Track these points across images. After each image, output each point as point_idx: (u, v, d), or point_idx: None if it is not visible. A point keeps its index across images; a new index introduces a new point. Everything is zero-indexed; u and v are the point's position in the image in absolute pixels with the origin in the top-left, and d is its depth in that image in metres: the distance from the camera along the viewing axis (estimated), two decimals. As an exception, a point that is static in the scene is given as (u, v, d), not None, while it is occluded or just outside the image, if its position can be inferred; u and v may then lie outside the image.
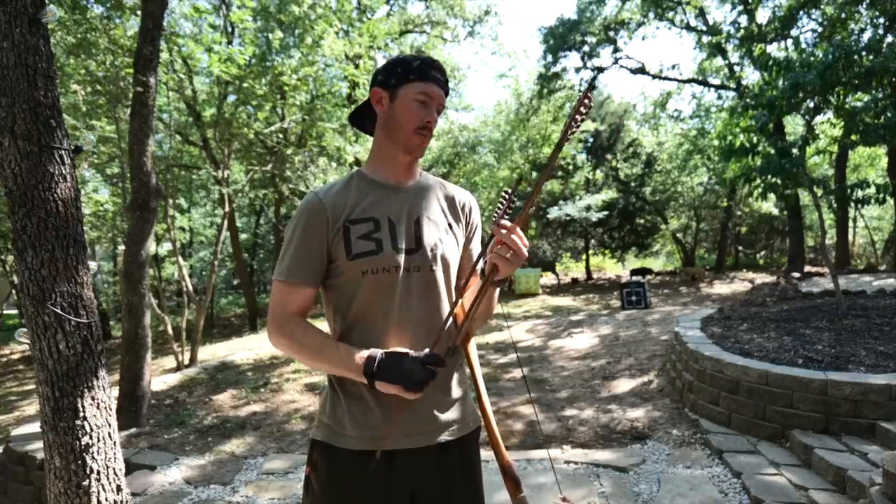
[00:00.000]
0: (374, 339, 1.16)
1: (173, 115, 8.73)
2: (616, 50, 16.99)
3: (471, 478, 1.25)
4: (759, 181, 5.77)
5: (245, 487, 3.44)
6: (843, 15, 11.37)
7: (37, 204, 2.27)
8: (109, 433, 2.47)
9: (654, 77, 17.32)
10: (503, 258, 1.08)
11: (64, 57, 6.49)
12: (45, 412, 2.34)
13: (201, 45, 8.22)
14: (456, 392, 1.24)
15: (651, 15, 16.25)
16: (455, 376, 1.24)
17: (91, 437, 2.37)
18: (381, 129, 1.24)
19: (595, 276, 18.67)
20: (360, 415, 1.16)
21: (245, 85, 7.18)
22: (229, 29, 10.37)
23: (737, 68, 15.08)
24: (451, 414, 1.22)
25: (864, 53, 5.08)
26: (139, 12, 5.22)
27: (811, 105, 5.69)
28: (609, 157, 19.11)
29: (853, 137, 5.38)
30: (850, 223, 17.19)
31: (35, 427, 3.97)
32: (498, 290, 1.22)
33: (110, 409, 2.51)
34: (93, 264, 2.63)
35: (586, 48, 16.76)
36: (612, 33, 16.59)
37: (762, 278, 13.21)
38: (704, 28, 15.94)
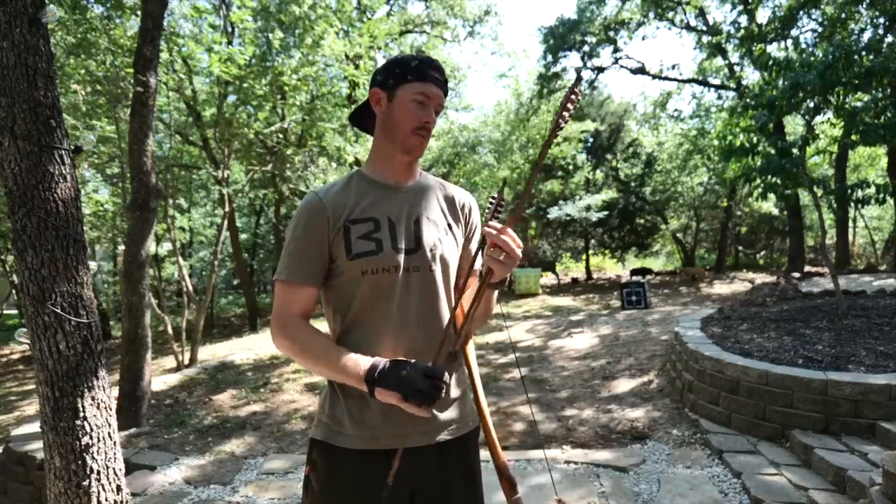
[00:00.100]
0: (373, 339, 1.16)
1: (173, 115, 8.73)
2: (616, 50, 16.99)
3: (470, 477, 1.25)
4: (759, 181, 5.77)
5: (245, 487, 3.44)
6: (843, 15, 11.37)
7: (37, 204, 2.27)
8: (109, 433, 2.47)
9: (654, 77, 17.33)
10: (496, 260, 1.08)
11: (64, 57, 6.49)
12: (45, 412, 2.34)
13: (201, 45, 8.22)
14: (455, 391, 1.24)
15: (651, 15, 16.25)
16: (454, 376, 1.24)
17: (91, 437, 2.37)
18: (380, 130, 1.25)
19: (595, 276, 18.67)
20: (360, 414, 1.16)
21: (245, 85, 7.18)
22: (229, 29, 10.37)
23: (737, 68, 15.08)
24: (451, 413, 1.22)
25: (864, 53, 5.08)
26: (139, 12, 5.22)
27: (811, 105, 5.69)
28: (609, 157, 19.11)
29: (853, 137, 5.38)
30: (850, 223, 17.19)
31: (35, 427, 3.97)
32: (496, 291, 1.22)
33: (110, 409, 2.51)
34: (93, 264, 2.63)
35: (586, 48, 16.76)
36: (612, 33, 16.60)
37: (762, 278, 13.21)
38: (704, 28, 15.95)
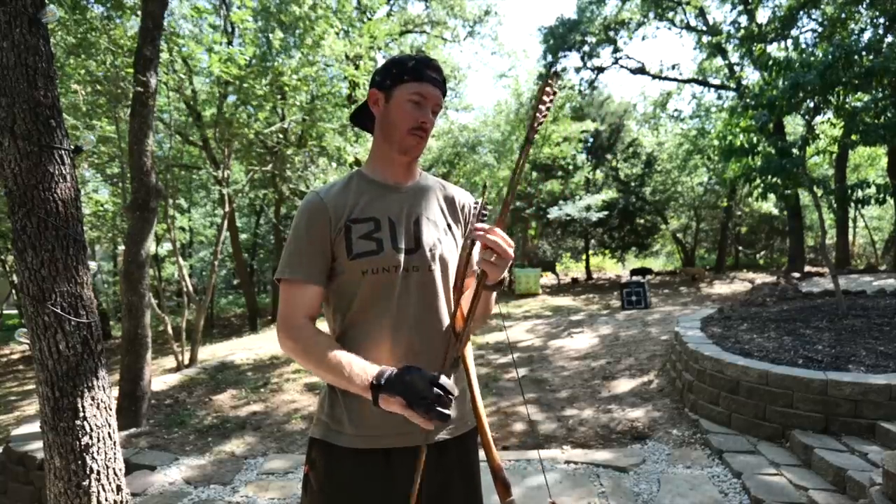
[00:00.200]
0: (372, 339, 1.16)
1: (173, 115, 8.73)
2: (616, 50, 17.01)
3: (469, 477, 1.25)
4: (759, 181, 5.77)
5: (245, 487, 3.44)
6: (843, 15, 11.37)
7: (37, 204, 2.27)
8: (109, 433, 2.47)
9: (654, 77, 17.34)
10: (488, 262, 1.07)
11: (64, 57, 6.48)
12: (45, 412, 2.34)
13: (201, 45, 8.22)
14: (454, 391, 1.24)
15: (651, 15, 16.26)
16: (452, 375, 1.24)
17: (91, 437, 2.37)
18: (379, 130, 1.25)
19: (595, 276, 18.68)
20: (359, 413, 1.16)
21: (245, 85, 7.18)
22: (229, 29, 10.37)
23: (737, 68, 15.08)
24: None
25: (864, 53, 5.08)
26: (139, 12, 5.22)
27: (811, 105, 5.69)
28: (609, 157, 19.11)
29: (853, 137, 5.38)
30: (850, 223, 17.19)
31: (35, 427, 3.97)
32: (495, 292, 1.21)
33: (110, 409, 2.51)
34: (93, 264, 2.63)
35: (586, 48, 16.79)
36: (612, 33, 16.61)
37: (762, 278, 13.21)
38: (704, 28, 15.95)
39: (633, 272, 15.32)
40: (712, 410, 3.90)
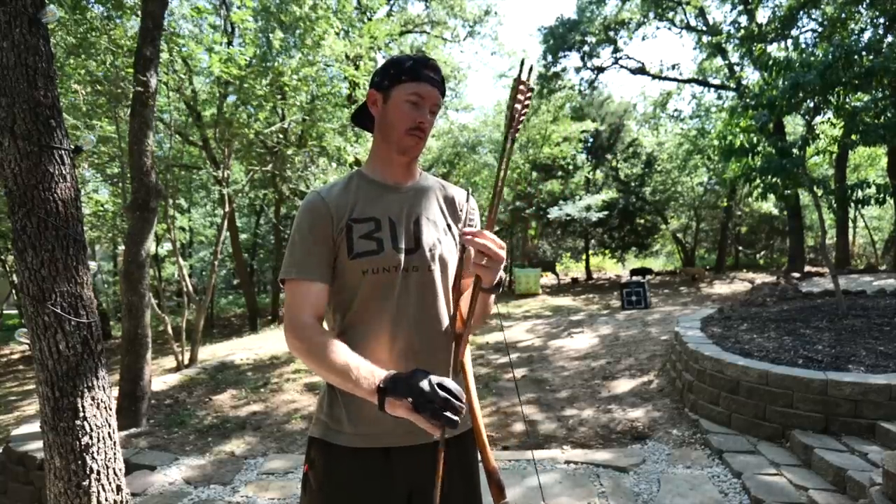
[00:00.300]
0: (371, 339, 1.16)
1: (173, 115, 8.72)
2: (616, 50, 17.00)
3: (468, 476, 1.25)
4: (759, 181, 5.77)
5: (245, 487, 3.44)
6: (843, 15, 11.37)
7: (37, 204, 2.27)
8: (109, 433, 2.47)
9: (654, 77, 17.33)
10: (480, 266, 1.06)
11: (64, 57, 6.48)
12: (45, 412, 2.34)
13: (202, 45, 8.22)
14: None
15: (651, 15, 16.25)
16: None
17: (91, 437, 2.37)
18: (378, 131, 1.25)
19: (595, 276, 18.67)
20: (358, 412, 1.16)
21: (245, 85, 7.18)
22: (229, 29, 10.37)
23: (737, 68, 15.08)
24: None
25: (864, 53, 5.07)
26: (139, 12, 5.22)
27: (811, 105, 5.69)
28: (609, 157, 19.12)
29: (853, 137, 5.38)
30: (850, 223, 17.18)
31: (35, 427, 3.97)
32: (493, 294, 1.21)
33: (110, 409, 2.51)
34: (93, 264, 2.63)
35: (586, 48, 16.77)
36: (612, 33, 16.61)
37: (762, 278, 13.21)
38: (704, 28, 15.95)
39: (633, 272, 15.32)
40: (712, 410, 3.90)
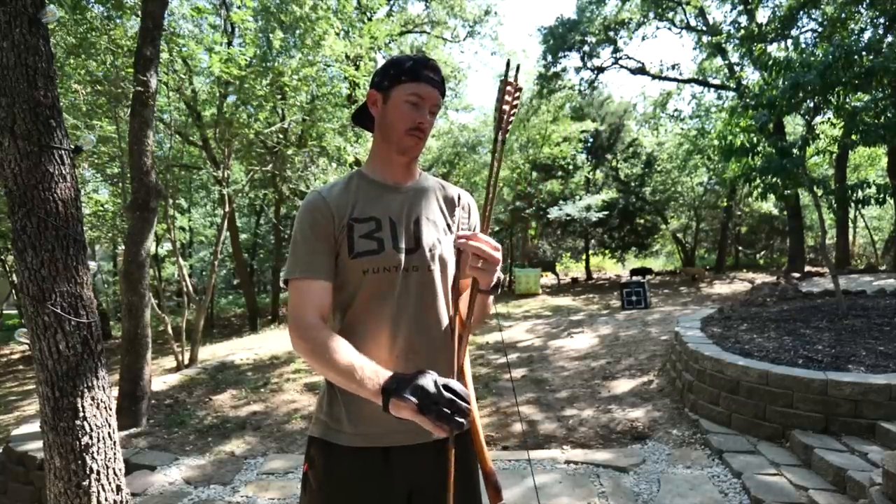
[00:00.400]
0: (371, 338, 1.16)
1: (173, 115, 8.73)
2: (616, 50, 16.99)
3: (467, 476, 1.25)
4: (759, 181, 5.77)
5: (245, 487, 3.44)
6: (843, 15, 11.36)
7: (37, 204, 2.27)
8: (109, 433, 2.47)
9: (654, 77, 17.32)
10: (477, 269, 1.06)
11: (64, 57, 6.48)
12: (45, 412, 2.34)
13: (202, 45, 8.22)
14: None
15: (651, 15, 16.24)
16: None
17: (91, 437, 2.37)
18: (378, 131, 1.25)
19: (595, 276, 18.67)
20: (358, 411, 1.16)
21: (245, 85, 7.18)
22: (230, 29, 10.37)
23: (737, 68, 15.06)
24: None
25: (864, 53, 5.07)
26: (139, 12, 5.22)
27: (811, 105, 5.69)
28: (609, 157, 19.12)
29: (853, 137, 5.38)
30: (850, 223, 17.18)
31: (35, 427, 3.97)
32: (491, 296, 1.21)
33: (110, 409, 2.51)
34: (93, 264, 2.63)
35: (586, 48, 16.76)
36: (612, 33, 16.59)
37: (762, 278, 13.21)
38: (704, 28, 15.94)
39: (633, 272, 15.32)
40: (712, 410, 3.90)
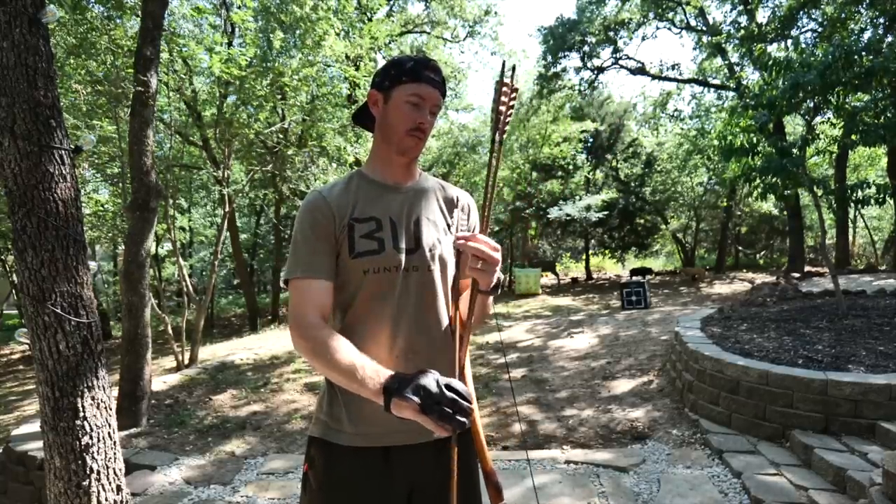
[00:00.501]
0: (371, 338, 1.16)
1: (173, 115, 8.73)
2: (616, 50, 16.99)
3: (467, 475, 1.25)
4: (759, 181, 5.77)
5: (245, 487, 3.44)
6: (843, 15, 11.36)
7: (37, 204, 2.27)
8: (109, 433, 2.47)
9: (654, 77, 17.32)
10: (476, 269, 1.06)
11: (64, 57, 6.49)
12: (45, 412, 2.34)
13: (202, 45, 8.22)
14: None
15: (651, 15, 16.25)
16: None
17: (91, 437, 2.37)
18: (378, 131, 1.26)
19: (595, 276, 18.67)
20: (358, 411, 1.16)
21: (246, 85, 7.18)
22: (230, 29, 10.37)
23: (737, 68, 15.06)
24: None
25: (864, 53, 5.07)
26: (139, 12, 5.22)
27: (811, 105, 5.69)
28: (609, 157, 19.11)
29: (853, 137, 5.38)
30: (850, 223, 17.18)
31: (35, 427, 3.97)
32: (491, 296, 1.21)
33: (110, 409, 2.51)
34: (93, 264, 2.63)
35: (586, 48, 16.76)
36: (612, 33, 16.59)
37: (762, 278, 13.21)
38: (704, 28, 15.94)
39: (633, 272, 15.32)
40: (712, 410, 3.90)
